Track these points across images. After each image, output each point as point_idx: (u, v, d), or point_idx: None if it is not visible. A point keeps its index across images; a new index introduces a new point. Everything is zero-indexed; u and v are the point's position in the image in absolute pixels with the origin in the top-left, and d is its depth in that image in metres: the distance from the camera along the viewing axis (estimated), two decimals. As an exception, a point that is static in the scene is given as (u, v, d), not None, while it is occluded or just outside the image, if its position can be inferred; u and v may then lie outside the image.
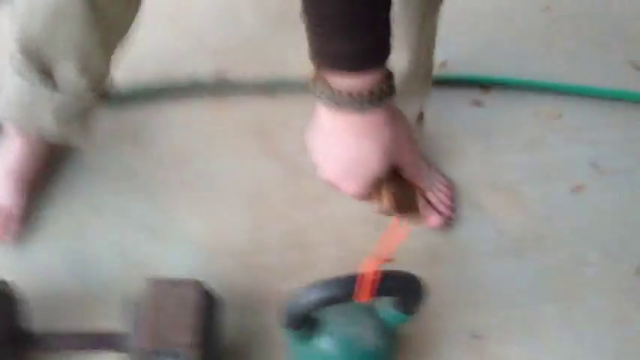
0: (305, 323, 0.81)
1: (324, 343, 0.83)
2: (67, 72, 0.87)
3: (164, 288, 0.80)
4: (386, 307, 0.85)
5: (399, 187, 0.61)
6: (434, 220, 1.06)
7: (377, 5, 0.51)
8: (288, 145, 1.13)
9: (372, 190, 0.60)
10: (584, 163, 1.20)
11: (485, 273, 1.04)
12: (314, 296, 0.75)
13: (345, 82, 0.52)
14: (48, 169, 1.04)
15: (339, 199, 0.67)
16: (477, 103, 1.27)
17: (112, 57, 0.92)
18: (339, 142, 0.56)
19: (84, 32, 0.82)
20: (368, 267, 0.73)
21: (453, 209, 1.09)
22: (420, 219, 0.64)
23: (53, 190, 1.03)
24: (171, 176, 1.09)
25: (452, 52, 1.29)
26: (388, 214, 0.62)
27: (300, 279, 0.81)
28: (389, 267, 0.73)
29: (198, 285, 0.81)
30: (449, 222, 1.08)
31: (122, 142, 1.12)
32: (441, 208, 1.07)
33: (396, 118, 0.57)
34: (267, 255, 1.02)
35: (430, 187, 1.08)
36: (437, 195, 1.08)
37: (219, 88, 1.19)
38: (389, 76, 0.55)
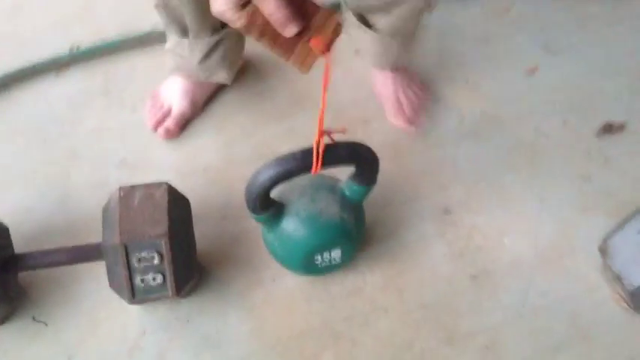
0: (270, 207, 0.85)
1: (291, 223, 0.87)
2: (190, 20, 0.97)
3: (132, 190, 0.85)
4: (348, 183, 0.89)
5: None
6: (399, 121, 1.09)
7: None
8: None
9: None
10: (535, 47, 1.24)
11: (450, 156, 1.08)
12: (269, 172, 0.79)
13: None
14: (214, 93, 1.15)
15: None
16: (429, 6, 1.31)
17: None
18: None
19: None
20: (315, 142, 0.77)
21: (419, 114, 1.11)
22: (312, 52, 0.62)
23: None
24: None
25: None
26: (247, 33, 0.60)
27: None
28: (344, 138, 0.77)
29: (163, 185, 0.86)
30: (414, 125, 1.09)
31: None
32: (408, 110, 1.10)
33: None
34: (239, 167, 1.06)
35: (404, 89, 1.10)
36: (408, 97, 1.10)
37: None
38: None
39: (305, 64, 0.63)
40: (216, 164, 1.06)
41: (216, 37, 1.02)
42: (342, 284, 0.95)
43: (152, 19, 1.18)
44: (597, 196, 1.04)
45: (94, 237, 0.86)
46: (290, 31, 0.59)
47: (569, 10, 1.30)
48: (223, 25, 1.03)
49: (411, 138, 1.10)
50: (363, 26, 1.04)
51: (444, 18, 1.29)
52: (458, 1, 1.31)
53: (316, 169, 0.79)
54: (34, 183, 1.03)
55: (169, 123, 1.09)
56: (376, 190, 0.90)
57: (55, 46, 1.20)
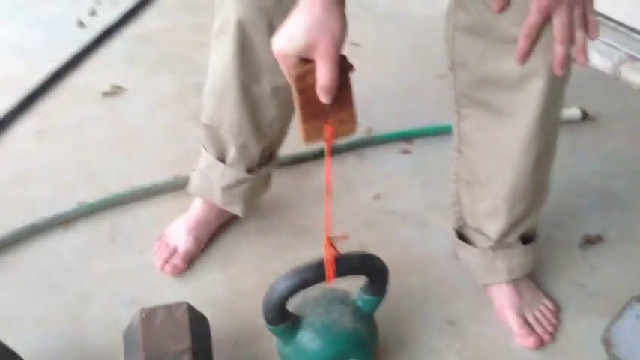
0: (286, 319, 0.89)
1: (306, 334, 0.90)
2: (231, 155, 1.09)
3: (154, 311, 0.88)
4: (360, 295, 0.94)
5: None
6: (529, 341, 1.03)
7: None
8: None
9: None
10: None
11: (445, 272, 1.15)
12: (286, 283, 0.85)
13: None
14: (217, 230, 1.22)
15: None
16: (407, 152, 1.45)
17: (265, 144, 1.10)
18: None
19: (241, 123, 1.04)
20: (326, 250, 0.84)
21: (551, 334, 1.05)
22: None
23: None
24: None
25: (373, 119, 1.50)
26: (294, 83, 0.70)
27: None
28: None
29: (183, 304, 0.89)
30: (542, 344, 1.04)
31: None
32: (539, 329, 1.05)
33: (323, 14, 0.68)
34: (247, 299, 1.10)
35: (531, 308, 1.06)
36: (536, 315, 1.06)
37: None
38: None
39: (309, 137, 0.73)
40: (224, 296, 1.10)
41: (248, 175, 1.12)
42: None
43: (153, 177, 1.30)
44: (590, 300, 1.09)
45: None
46: (327, 97, 0.69)
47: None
48: (260, 165, 1.13)
49: (409, 256, 1.17)
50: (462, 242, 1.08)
51: (420, 156, 1.42)
52: (426, 143, 1.45)
53: (330, 279, 0.85)
54: (46, 326, 1.05)
55: (176, 260, 1.14)
56: (382, 306, 0.95)
57: (63, 205, 1.28)
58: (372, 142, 1.47)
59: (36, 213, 1.26)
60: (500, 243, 1.03)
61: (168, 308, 0.89)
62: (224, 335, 1.02)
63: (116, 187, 1.33)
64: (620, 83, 1.72)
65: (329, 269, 0.84)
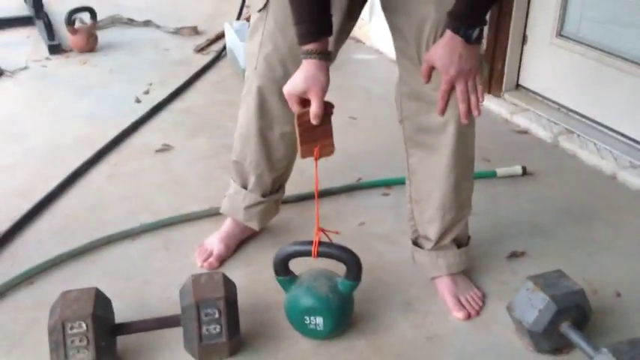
0: (286, 274, 1.33)
1: (294, 288, 1.34)
2: (252, 182, 1.55)
3: (200, 275, 1.32)
4: (341, 278, 1.37)
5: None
6: (461, 314, 1.43)
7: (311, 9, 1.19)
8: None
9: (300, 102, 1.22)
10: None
11: (405, 271, 1.57)
12: (286, 251, 1.30)
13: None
14: (242, 242, 1.67)
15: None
16: (386, 194, 1.91)
17: (275, 175, 1.56)
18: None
19: (259, 159, 1.51)
20: (315, 236, 1.29)
21: (477, 312, 1.45)
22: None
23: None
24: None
25: (362, 171, 1.98)
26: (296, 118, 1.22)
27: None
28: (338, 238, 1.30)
29: (220, 272, 1.33)
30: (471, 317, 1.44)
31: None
32: (468, 307, 1.44)
33: (315, 72, 1.19)
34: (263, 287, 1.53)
35: (464, 293, 1.47)
36: (467, 298, 1.46)
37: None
38: (320, 48, 1.20)
39: (304, 154, 1.24)
40: (246, 284, 1.52)
41: (263, 198, 1.58)
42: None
43: (194, 207, 1.77)
44: (509, 292, 1.50)
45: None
46: (316, 121, 1.21)
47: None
48: (272, 192, 1.60)
49: (382, 261, 1.60)
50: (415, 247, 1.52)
51: (396, 198, 1.87)
52: (401, 188, 1.91)
53: (314, 255, 1.30)
54: (122, 300, 1.48)
55: (211, 260, 1.58)
56: (360, 291, 1.37)
57: (130, 224, 1.74)
58: (360, 187, 1.94)
59: (110, 230, 1.72)
60: (439, 244, 1.47)
61: (210, 274, 1.33)
62: (246, 307, 1.45)
63: (167, 213, 1.79)
64: (558, 150, 2.19)
65: (314, 248, 1.29)
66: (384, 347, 1.37)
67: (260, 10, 1.39)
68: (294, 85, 1.22)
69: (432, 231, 1.46)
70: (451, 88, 1.28)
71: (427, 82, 1.31)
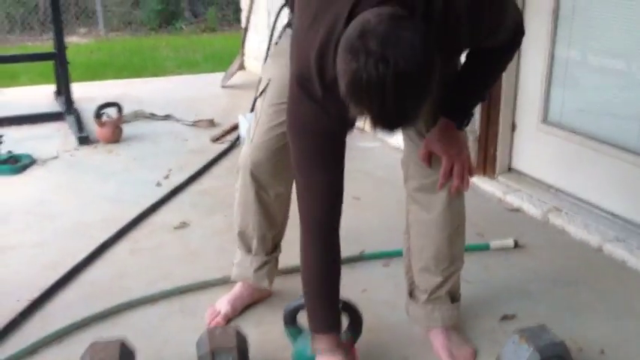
0: (294, 325, 1.47)
1: (301, 338, 1.49)
2: (255, 245, 1.73)
3: (215, 329, 1.46)
4: (345, 330, 1.51)
5: None
6: None
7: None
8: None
9: None
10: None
11: (403, 330, 1.70)
12: (294, 304, 1.46)
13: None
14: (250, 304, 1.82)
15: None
16: (386, 265, 2.06)
17: (274, 233, 1.74)
18: None
19: (260, 222, 1.69)
20: None
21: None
22: None
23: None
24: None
25: (365, 245, 2.14)
26: None
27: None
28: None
29: (234, 326, 1.48)
30: None
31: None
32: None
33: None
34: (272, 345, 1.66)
35: (457, 349, 1.59)
36: (460, 353, 1.60)
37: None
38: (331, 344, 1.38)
39: None
40: (256, 344, 1.65)
41: (267, 258, 1.75)
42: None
43: (208, 276, 1.92)
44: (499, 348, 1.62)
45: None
46: None
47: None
48: (272, 252, 1.76)
49: (383, 322, 1.73)
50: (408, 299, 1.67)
51: (396, 270, 2.02)
52: (400, 259, 2.06)
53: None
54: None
55: (218, 319, 1.73)
56: (362, 346, 1.51)
57: (149, 291, 1.89)
58: (362, 259, 2.10)
59: (131, 296, 1.87)
60: (434, 296, 1.61)
61: (224, 327, 1.49)
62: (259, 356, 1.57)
63: (183, 282, 1.95)
64: (548, 226, 2.35)
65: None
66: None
67: (259, 97, 1.65)
68: None
69: (426, 281, 1.61)
70: (451, 168, 1.47)
71: (428, 166, 1.50)
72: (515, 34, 1.37)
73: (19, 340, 1.68)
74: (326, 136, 1.32)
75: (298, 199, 1.38)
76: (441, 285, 1.60)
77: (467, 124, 1.49)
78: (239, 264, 1.79)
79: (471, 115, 1.49)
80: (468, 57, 1.43)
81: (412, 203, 1.61)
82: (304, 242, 1.40)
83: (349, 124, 1.33)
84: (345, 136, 1.35)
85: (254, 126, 1.64)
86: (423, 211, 1.58)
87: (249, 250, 1.77)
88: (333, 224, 1.39)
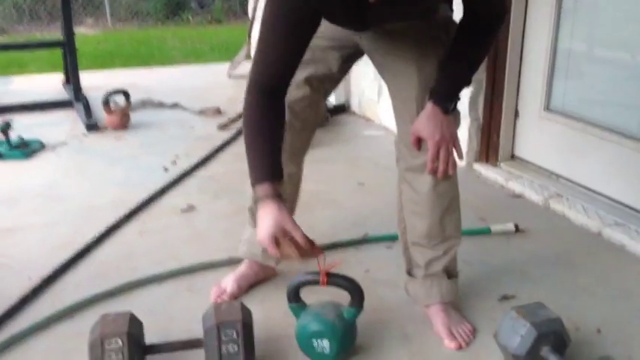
0: (297, 301, 1.51)
1: (304, 314, 1.53)
2: None
3: (221, 303, 1.50)
4: (346, 307, 1.55)
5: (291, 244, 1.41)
6: (453, 345, 1.58)
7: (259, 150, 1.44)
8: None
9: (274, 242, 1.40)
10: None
11: (404, 308, 1.74)
12: (298, 280, 1.50)
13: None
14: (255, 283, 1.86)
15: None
16: (389, 247, 2.10)
17: None
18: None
19: None
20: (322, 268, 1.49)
21: (467, 343, 1.60)
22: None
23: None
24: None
25: (369, 227, 2.18)
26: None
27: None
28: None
29: (239, 300, 1.52)
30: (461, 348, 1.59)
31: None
32: (460, 339, 1.60)
33: (278, 211, 1.40)
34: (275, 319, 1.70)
35: (456, 326, 1.62)
36: (458, 330, 1.62)
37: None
38: (275, 191, 1.42)
39: (303, 258, 1.43)
40: (261, 321, 1.70)
41: None
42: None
43: (215, 257, 1.96)
44: (498, 324, 1.67)
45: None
46: (307, 245, 1.41)
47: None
48: None
49: (384, 300, 1.77)
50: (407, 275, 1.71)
51: (397, 252, 2.07)
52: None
53: (323, 284, 1.49)
54: (154, 325, 1.66)
55: (224, 296, 1.77)
56: (362, 323, 1.55)
57: (157, 270, 1.94)
58: (366, 241, 2.14)
59: (139, 275, 1.92)
60: (430, 271, 1.65)
61: (229, 302, 1.53)
62: (261, 338, 1.61)
63: (190, 262, 1.99)
64: (549, 211, 2.38)
65: (322, 277, 1.48)
66: (383, 372, 1.52)
67: None
68: (267, 230, 1.39)
69: (421, 256, 1.66)
70: (437, 152, 1.51)
71: (419, 150, 1.54)
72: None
73: (32, 316, 1.73)
74: (299, 12, 1.36)
75: (253, 57, 1.45)
76: (436, 259, 1.65)
77: (453, 109, 1.51)
78: (248, 239, 1.83)
79: (457, 99, 1.51)
80: (452, 39, 1.48)
81: (403, 182, 1.65)
82: (249, 99, 1.45)
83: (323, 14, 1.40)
84: (314, 27, 1.41)
85: None
86: (412, 191, 1.62)
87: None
88: (281, 89, 1.46)
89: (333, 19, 1.45)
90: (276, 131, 1.48)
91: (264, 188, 1.42)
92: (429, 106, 1.49)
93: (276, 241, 1.40)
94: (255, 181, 1.44)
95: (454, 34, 1.49)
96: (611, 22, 2.30)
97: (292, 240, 1.40)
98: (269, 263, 1.82)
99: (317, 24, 1.42)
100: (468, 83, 1.53)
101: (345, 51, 1.65)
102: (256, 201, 1.44)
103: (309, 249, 1.42)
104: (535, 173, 2.59)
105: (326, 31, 1.53)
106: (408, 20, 1.52)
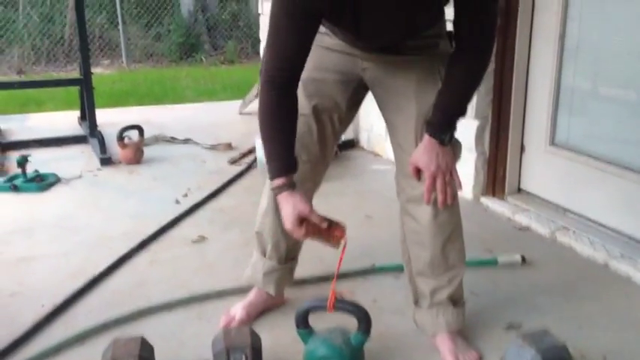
0: (305, 327, 1.54)
1: (312, 340, 1.55)
2: (269, 250, 1.81)
3: (231, 329, 1.53)
4: (353, 333, 1.57)
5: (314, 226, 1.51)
6: None
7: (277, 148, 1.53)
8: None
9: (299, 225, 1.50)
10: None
11: (410, 338, 1.76)
12: (306, 305, 1.53)
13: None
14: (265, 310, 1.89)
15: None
16: (397, 277, 2.13)
17: (289, 243, 1.81)
18: None
19: (275, 228, 1.77)
20: (331, 295, 1.52)
21: None
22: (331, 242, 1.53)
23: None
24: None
25: (376, 259, 2.21)
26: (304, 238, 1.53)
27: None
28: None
29: (249, 326, 1.55)
30: None
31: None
32: None
33: (293, 200, 1.50)
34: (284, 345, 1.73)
35: (463, 354, 1.65)
36: (465, 358, 1.64)
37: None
38: (289, 182, 1.51)
39: (335, 244, 1.52)
40: (269, 348, 1.72)
41: (279, 266, 1.82)
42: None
43: (225, 285, 1.99)
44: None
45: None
46: (325, 224, 1.49)
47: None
48: (286, 261, 1.84)
49: (391, 330, 1.79)
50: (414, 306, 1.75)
51: (404, 282, 2.09)
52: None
53: (330, 309, 1.52)
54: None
55: (233, 324, 1.79)
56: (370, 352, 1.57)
57: (167, 298, 1.97)
58: (374, 271, 2.17)
59: (150, 303, 1.95)
60: (435, 300, 1.68)
61: (239, 327, 1.56)
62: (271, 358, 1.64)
63: (201, 290, 2.03)
64: (556, 244, 2.41)
65: (330, 302, 1.51)
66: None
67: None
68: (289, 219, 1.52)
69: (425, 285, 1.69)
70: (433, 182, 1.55)
71: (418, 180, 1.59)
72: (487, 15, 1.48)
73: (44, 341, 1.76)
74: (303, 7, 1.40)
75: (265, 48, 1.50)
76: (441, 288, 1.67)
77: (449, 140, 1.56)
78: (253, 265, 1.88)
79: (452, 130, 1.56)
80: (445, 67, 1.54)
81: (405, 214, 1.70)
82: (263, 91, 1.51)
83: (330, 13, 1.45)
84: (318, 20, 1.46)
85: None
86: (414, 222, 1.66)
87: (263, 252, 1.84)
88: (292, 83, 1.51)
89: (329, 18, 1.49)
90: (289, 126, 1.54)
91: (280, 181, 1.52)
92: (425, 138, 1.55)
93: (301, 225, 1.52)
94: (272, 175, 1.54)
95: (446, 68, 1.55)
96: (613, 60, 2.36)
97: (312, 223, 1.51)
98: (268, 290, 1.85)
99: (320, 17, 1.46)
100: (461, 114, 1.57)
101: (350, 86, 1.70)
102: (274, 193, 1.55)
103: (330, 229, 1.53)
104: (541, 206, 2.62)
105: (331, 63, 1.59)
106: (408, 54, 1.58)
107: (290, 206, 1.51)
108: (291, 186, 1.52)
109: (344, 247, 1.53)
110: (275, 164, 1.54)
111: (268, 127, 1.54)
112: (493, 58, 2.62)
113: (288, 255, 1.85)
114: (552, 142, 2.59)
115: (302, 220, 1.52)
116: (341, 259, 1.55)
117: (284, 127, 1.54)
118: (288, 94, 1.52)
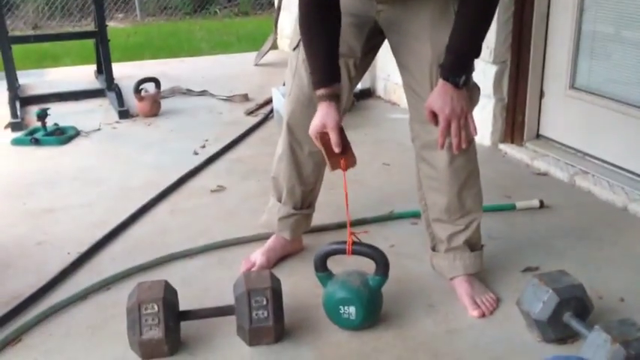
0: (325, 270, 1.56)
1: (331, 282, 1.58)
2: (284, 195, 1.83)
3: (251, 272, 1.57)
4: (371, 275, 1.60)
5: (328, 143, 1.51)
6: (476, 313, 1.63)
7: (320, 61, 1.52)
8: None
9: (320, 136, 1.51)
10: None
11: (428, 280, 1.79)
12: (325, 249, 1.55)
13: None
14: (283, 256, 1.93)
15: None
16: (414, 224, 2.14)
17: (304, 189, 1.83)
18: None
19: (290, 173, 1.79)
20: (348, 238, 1.54)
21: (491, 312, 1.64)
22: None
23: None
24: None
25: (394, 205, 2.22)
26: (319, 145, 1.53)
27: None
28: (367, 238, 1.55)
29: (268, 270, 1.58)
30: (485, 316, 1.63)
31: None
32: (483, 307, 1.64)
33: (327, 110, 1.50)
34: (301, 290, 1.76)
35: (479, 295, 1.67)
36: (482, 299, 1.66)
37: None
38: (329, 92, 1.51)
39: (333, 168, 1.50)
40: (289, 292, 1.75)
41: (295, 211, 1.84)
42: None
43: (243, 233, 2.02)
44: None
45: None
46: (337, 148, 1.45)
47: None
48: (302, 207, 1.86)
49: (409, 273, 1.82)
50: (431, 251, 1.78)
51: (421, 227, 2.10)
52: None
53: (349, 253, 1.54)
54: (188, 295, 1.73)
55: (254, 269, 1.83)
56: (387, 293, 1.60)
57: (188, 245, 2.01)
58: (391, 218, 2.18)
59: (172, 250, 1.99)
60: (452, 245, 1.69)
61: (258, 271, 1.59)
62: (289, 308, 1.66)
63: (221, 237, 2.06)
64: (575, 188, 2.40)
65: (349, 246, 1.53)
66: (408, 338, 1.57)
67: (294, 49, 1.71)
68: (315, 124, 1.52)
69: (443, 231, 1.70)
70: (448, 126, 1.53)
71: (435, 124, 1.56)
72: None
73: (71, 288, 1.81)
74: None
75: None
76: (457, 233, 1.69)
77: (465, 83, 1.51)
78: (269, 210, 1.91)
79: (467, 72, 1.52)
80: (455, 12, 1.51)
81: (420, 161, 1.70)
82: (303, 11, 1.52)
83: None
84: None
85: (290, 79, 1.73)
86: (429, 168, 1.67)
87: (279, 197, 1.86)
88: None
89: None
90: (332, 37, 1.53)
91: (322, 91, 1.52)
92: (440, 81, 1.52)
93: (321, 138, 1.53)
94: (315, 85, 1.54)
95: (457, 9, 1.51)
96: (635, 1, 2.29)
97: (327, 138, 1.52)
98: (284, 235, 1.88)
99: None
100: (475, 55, 1.53)
101: (364, 30, 1.66)
102: (317, 100, 1.54)
103: (339, 155, 1.52)
104: (560, 151, 2.60)
105: (346, 4, 1.57)
106: None
107: (320, 116, 1.52)
108: (329, 97, 1.52)
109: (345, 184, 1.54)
110: (317, 75, 1.54)
111: (311, 42, 1.54)
112: (512, 1, 2.57)
113: (304, 201, 1.87)
114: (572, 85, 2.55)
115: (324, 133, 1.52)
116: (346, 193, 1.56)
117: (327, 41, 1.53)
118: (329, 7, 1.52)
